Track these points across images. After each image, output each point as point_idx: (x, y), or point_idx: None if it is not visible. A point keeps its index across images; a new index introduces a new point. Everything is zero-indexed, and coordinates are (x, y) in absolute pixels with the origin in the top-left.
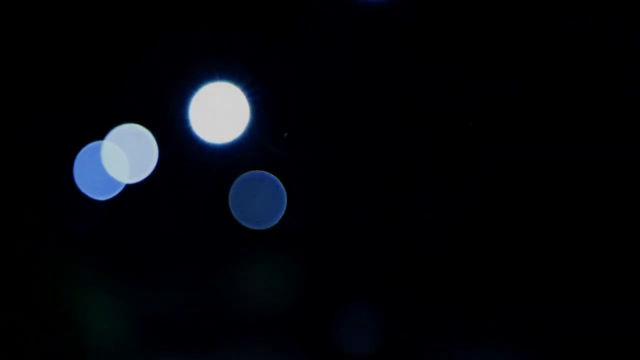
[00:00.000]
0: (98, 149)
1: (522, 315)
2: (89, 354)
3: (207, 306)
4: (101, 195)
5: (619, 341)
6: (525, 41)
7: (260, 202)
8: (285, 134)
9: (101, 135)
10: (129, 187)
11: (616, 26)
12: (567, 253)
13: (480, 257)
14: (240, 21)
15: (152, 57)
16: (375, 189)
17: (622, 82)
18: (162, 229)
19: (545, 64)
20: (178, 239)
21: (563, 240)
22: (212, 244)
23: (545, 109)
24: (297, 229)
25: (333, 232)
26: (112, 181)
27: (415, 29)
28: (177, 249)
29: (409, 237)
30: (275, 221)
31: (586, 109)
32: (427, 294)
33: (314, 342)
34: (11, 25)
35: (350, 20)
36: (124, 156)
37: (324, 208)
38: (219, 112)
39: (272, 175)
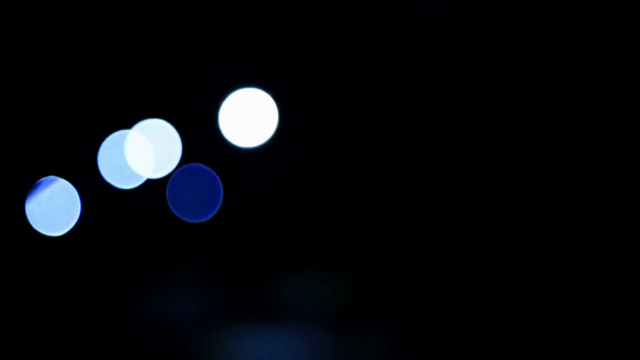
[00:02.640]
0: (121, 139)
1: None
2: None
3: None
4: (123, 184)
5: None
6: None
7: (197, 195)
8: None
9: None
10: (151, 182)
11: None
12: (566, 253)
13: (480, 257)
14: (270, 29)
15: (186, 62)
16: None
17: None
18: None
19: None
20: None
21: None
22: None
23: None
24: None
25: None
26: (133, 173)
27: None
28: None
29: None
30: (212, 214)
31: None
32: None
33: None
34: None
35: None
36: (147, 150)
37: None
38: (249, 116)
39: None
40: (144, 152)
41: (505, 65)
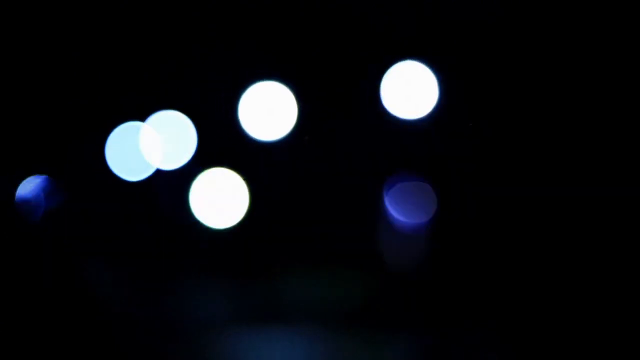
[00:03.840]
0: (133, 130)
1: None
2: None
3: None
4: (131, 176)
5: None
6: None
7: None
8: (306, 137)
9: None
10: (160, 172)
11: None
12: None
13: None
14: (289, 23)
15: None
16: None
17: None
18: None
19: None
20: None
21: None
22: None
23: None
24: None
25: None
26: (143, 162)
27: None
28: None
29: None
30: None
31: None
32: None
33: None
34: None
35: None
36: (160, 140)
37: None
38: (268, 109)
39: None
40: (156, 142)
41: (505, 65)
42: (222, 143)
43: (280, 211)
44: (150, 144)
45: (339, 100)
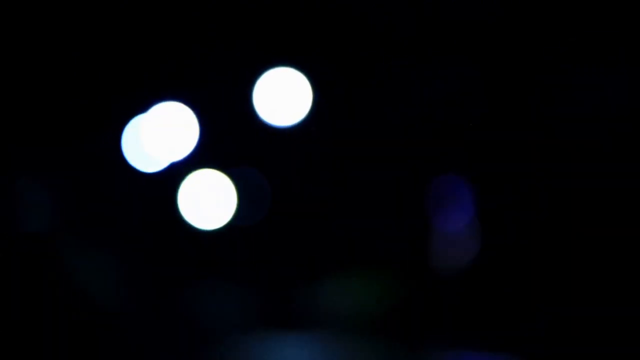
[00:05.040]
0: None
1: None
2: None
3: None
4: (148, 167)
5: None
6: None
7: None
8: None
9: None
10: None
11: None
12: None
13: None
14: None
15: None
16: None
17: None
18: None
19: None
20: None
21: None
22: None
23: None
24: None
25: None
26: (154, 156)
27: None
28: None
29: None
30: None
31: None
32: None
33: None
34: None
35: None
36: (163, 133)
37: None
38: (282, 95)
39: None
40: (160, 135)
41: (505, 65)
42: (224, 139)
43: (294, 210)
44: (155, 137)
45: (339, 100)
